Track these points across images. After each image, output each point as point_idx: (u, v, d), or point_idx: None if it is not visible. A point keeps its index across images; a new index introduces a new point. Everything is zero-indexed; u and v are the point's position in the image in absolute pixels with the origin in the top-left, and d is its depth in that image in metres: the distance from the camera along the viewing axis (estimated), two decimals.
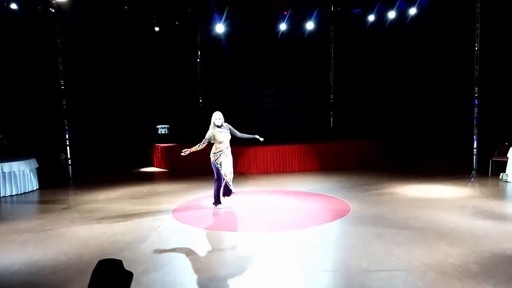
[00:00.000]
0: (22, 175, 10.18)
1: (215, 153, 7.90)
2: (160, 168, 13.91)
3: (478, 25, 11.08)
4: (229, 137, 8.02)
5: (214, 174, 8.02)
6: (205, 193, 9.64)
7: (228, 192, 8.25)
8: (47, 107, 12.99)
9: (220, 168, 7.90)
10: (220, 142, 7.88)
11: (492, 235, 6.02)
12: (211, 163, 7.95)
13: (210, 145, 8.01)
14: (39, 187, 10.75)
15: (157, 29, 15.45)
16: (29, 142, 12.13)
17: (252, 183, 11.02)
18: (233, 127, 8.15)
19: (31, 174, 10.49)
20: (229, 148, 8.06)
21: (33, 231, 6.85)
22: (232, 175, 8.17)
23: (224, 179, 7.99)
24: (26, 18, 12.07)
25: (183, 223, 7.11)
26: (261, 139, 8.25)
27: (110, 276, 2.48)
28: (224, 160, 7.91)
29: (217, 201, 8.14)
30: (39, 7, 12.20)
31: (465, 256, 5.15)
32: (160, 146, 14.11)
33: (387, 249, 5.51)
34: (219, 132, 7.86)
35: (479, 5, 11.00)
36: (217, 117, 7.91)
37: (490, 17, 11.35)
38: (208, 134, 7.93)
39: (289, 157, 12.48)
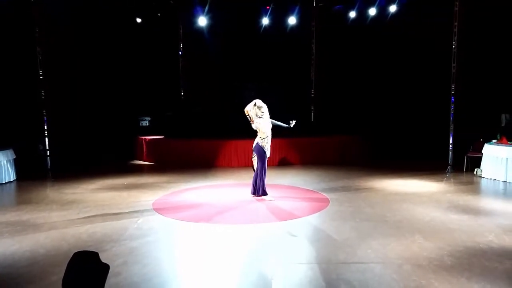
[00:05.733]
0: None
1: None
2: (143, 160, 13.85)
3: (456, 23, 11.29)
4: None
5: (257, 164, 8.13)
6: (186, 185, 9.69)
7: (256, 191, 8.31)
8: (25, 97, 12.75)
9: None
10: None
11: (465, 228, 6.17)
12: (259, 150, 8.06)
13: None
14: (16, 178, 10.60)
15: (138, 20, 15.29)
16: (7, 133, 11.91)
17: (232, 176, 11.08)
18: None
19: (8, 165, 10.32)
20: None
21: (9, 223, 6.75)
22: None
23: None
24: (3, 6, 11.81)
25: (163, 216, 7.10)
26: (293, 122, 8.38)
27: (86, 268, 2.48)
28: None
29: (264, 192, 8.16)
30: None
31: (439, 249, 5.27)
32: (145, 138, 14.03)
33: (364, 242, 5.60)
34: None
35: (457, 3, 11.21)
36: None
37: (467, 15, 11.56)
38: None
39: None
